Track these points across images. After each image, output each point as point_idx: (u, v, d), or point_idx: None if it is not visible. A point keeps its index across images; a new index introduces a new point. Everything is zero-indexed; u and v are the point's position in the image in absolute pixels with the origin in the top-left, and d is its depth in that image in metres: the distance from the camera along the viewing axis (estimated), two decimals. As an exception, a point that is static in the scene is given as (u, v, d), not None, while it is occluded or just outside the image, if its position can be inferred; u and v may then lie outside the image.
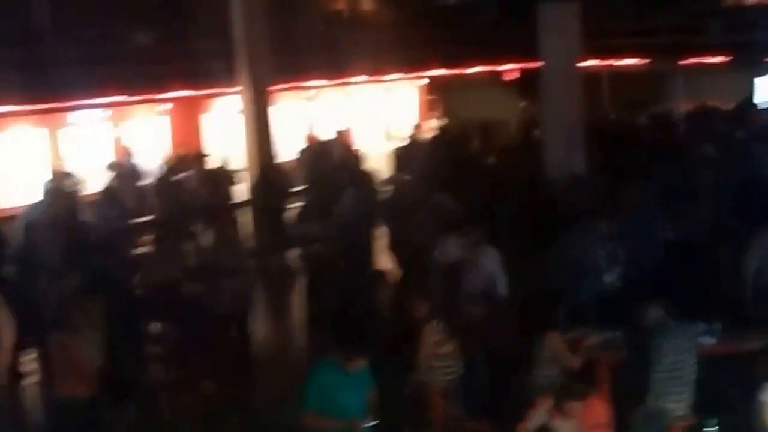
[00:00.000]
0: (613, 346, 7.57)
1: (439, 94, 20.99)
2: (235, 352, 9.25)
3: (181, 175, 13.78)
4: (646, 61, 18.95)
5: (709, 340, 7.47)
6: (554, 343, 7.19)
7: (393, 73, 19.20)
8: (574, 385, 6.41)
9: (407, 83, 20.74)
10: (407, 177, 12.74)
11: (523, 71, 19.50)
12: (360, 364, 6.27)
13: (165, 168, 14.13)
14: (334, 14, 19.57)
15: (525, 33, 13.02)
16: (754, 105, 16.95)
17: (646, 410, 6.78)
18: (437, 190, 10.91)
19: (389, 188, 12.37)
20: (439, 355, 7.25)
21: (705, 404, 6.78)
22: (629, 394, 6.92)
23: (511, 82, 20.66)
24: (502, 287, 8.57)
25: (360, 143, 15.74)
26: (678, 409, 6.74)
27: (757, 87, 18.67)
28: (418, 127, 16.22)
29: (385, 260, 11.29)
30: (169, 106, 16.00)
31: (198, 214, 12.06)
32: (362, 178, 12.35)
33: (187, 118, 16.42)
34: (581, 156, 11.77)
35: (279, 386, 8.82)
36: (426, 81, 20.99)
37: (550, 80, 12.11)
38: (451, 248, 8.89)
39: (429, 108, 21.07)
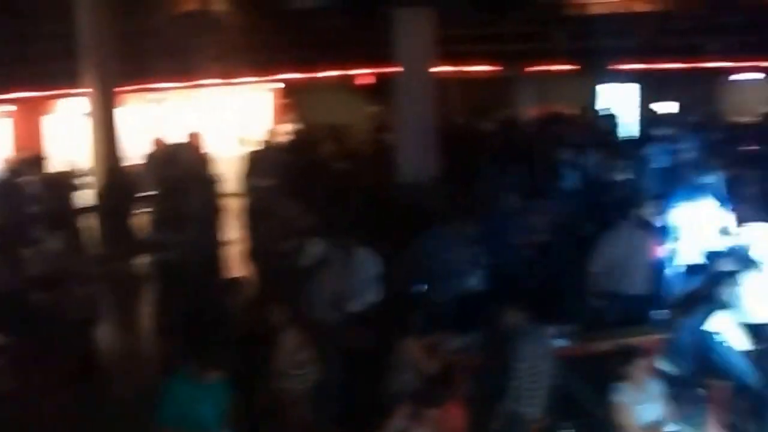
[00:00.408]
0: (471, 350, 7.62)
1: (293, 98, 20.84)
2: (81, 362, 8.89)
3: (23, 179, 13.18)
4: (496, 67, 19.37)
5: (563, 343, 7.65)
6: (411, 348, 7.19)
7: (246, 76, 18.93)
8: (431, 392, 6.42)
9: (261, 87, 20.50)
10: (261, 182, 12.58)
11: (378, 76, 19.59)
12: (215, 375, 6.12)
13: (5, 172, 13.48)
14: (185, 16, 19.13)
15: (379, 37, 13.09)
16: (598, 111, 17.69)
17: (504, 414, 6.87)
18: (289, 194, 10.82)
19: (243, 193, 12.20)
20: (296, 362, 7.15)
21: (560, 407, 6.93)
22: (487, 399, 6.97)
23: (366, 86, 20.72)
24: (371, 292, 8.52)
25: (211, 147, 15.43)
26: (535, 412, 6.86)
27: (602, 94, 19.40)
28: (271, 131, 16.07)
29: (244, 266, 11.11)
30: (12, 108, 15.32)
31: (41, 220, 11.55)
32: (211, 183, 12.11)
33: (31, 120, 15.73)
34: (435, 160, 11.91)
35: (128, 398, 8.53)
36: (280, 85, 20.80)
37: (404, 85, 12.21)
38: (312, 253, 8.80)
39: (283, 112, 20.89)
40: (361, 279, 8.46)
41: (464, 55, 18.67)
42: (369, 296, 8.45)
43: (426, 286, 8.59)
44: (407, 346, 7.22)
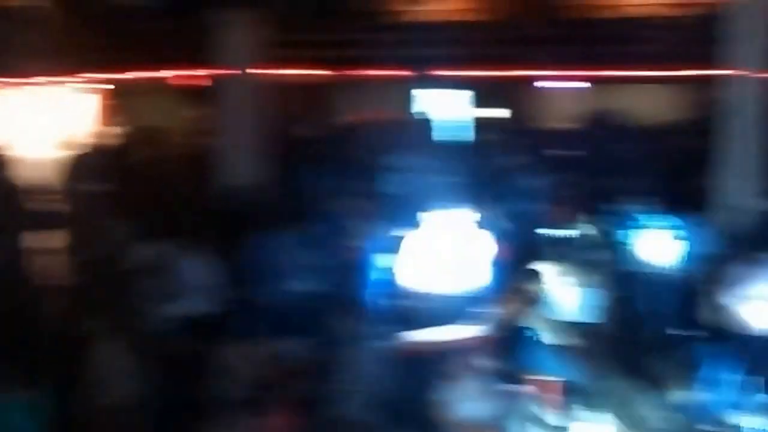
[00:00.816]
0: (299, 354, 7.59)
1: (115, 100, 20.22)
2: None
3: None
4: (322, 72, 19.43)
5: (389, 344, 7.73)
6: (238, 354, 7.12)
7: (65, 76, 18.24)
8: (258, 399, 6.36)
9: (83, 88, 19.77)
10: (81, 186, 12.14)
11: (201, 78, 19.28)
12: (27, 389, 5.88)
13: None
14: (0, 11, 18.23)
15: (204, 39, 12.88)
16: (420, 116, 18.02)
17: (333, 418, 6.88)
18: (109, 199, 10.50)
19: (62, 197, 11.73)
20: (115, 372, 6.95)
21: (388, 408, 7.00)
22: (316, 404, 6.97)
23: (191, 88, 20.34)
24: (196, 298, 8.34)
25: (26, 150, 14.75)
26: (364, 415, 6.89)
27: (425, 100, 19.79)
28: (94, 133, 15.54)
29: (63, 273, 10.67)
30: None
31: None
32: (14, 188, 11.56)
33: None
34: (259, 164, 11.83)
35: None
36: (104, 86, 20.14)
37: (227, 88, 12.08)
38: (134, 258, 8.56)
39: (105, 114, 20.23)
40: (186, 284, 8.30)
41: (290, 60, 18.62)
42: (193, 302, 8.30)
43: (254, 291, 8.50)
44: (233, 353, 7.13)
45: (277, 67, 17.77)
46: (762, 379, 7.80)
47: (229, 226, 9.77)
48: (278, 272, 8.58)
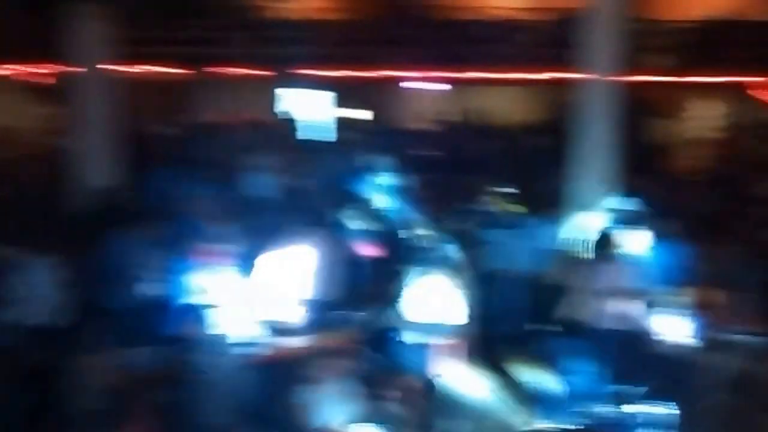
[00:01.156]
0: (155, 363, 7.33)
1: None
2: None
3: None
4: (179, 70, 19.03)
5: (249, 349, 7.55)
6: (91, 364, 6.82)
7: None
8: (112, 410, 6.12)
9: None
10: None
11: (51, 75, 18.56)
12: None
13: None
14: None
15: (53, 34, 12.36)
16: (283, 116, 17.86)
17: (193, 427, 6.68)
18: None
19: None
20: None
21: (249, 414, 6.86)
22: (172, 413, 6.77)
23: (38, 86, 19.58)
24: (47, 304, 7.92)
25: None
26: (224, 422, 6.73)
27: (289, 99, 19.65)
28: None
29: None
30: None
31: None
32: None
33: None
34: (115, 164, 11.44)
35: None
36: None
37: (77, 86, 11.62)
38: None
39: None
40: (31, 291, 7.91)
41: (147, 57, 18.16)
42: (39, 309, 7.91)
43: (103, 296, 8.16)
44: (83, 362, 6.83)
45: (131, 64, 17.32)
46: (614, 370, 8.10)
47: (79, 229, 9.39)
48: (129, 276, 8.27)
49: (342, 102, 19.04)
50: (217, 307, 7.60)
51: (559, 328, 8.05)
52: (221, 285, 7.79)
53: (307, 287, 8.35)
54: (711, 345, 7.67)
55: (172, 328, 7.68)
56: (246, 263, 8.08)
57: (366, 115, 18.79)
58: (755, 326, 7.65)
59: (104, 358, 6.99)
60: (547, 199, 10.64)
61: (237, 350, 7.30)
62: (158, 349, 7.32)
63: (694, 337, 7.85)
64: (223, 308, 7.60)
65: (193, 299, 7.77)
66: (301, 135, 16.53)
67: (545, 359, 7.91)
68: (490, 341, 9.01)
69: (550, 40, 16.56)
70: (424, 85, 19.39)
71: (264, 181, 11.67)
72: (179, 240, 8.81)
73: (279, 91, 19.45)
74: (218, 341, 6.92)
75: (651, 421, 7.48)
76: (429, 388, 7.34)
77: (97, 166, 11.21)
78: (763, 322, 7.69)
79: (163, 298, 8.24)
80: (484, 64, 17.69)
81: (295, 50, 17.12)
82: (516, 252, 9.60)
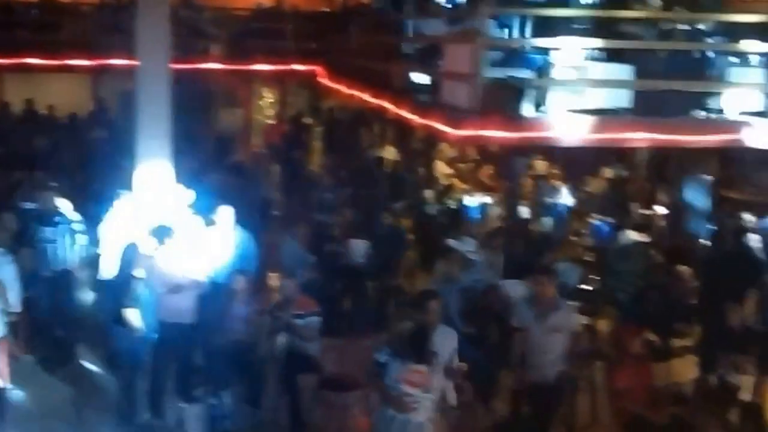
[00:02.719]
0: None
1: None
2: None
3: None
4: None
5: None
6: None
7: None
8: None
9: None
10: None
11: None
12: None
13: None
14: None
15: None
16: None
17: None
18: None
19: None
20: None
21: None
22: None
23: None
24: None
25: None
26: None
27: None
28: None
29: None
30: None
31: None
32: None
33: None
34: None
35: None
36: None
37: None
38: None
39: None
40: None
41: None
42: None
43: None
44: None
45: None
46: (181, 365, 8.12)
47: None
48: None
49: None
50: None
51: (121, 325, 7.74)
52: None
53: None
54: (273, 327, 7.83)
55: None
56: None
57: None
58: (306, 309, 7.96)
59: None
60: (104, 190, 10.29)
61: None
62: None
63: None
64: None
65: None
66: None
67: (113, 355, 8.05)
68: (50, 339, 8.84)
69: (105, 27, 16.10)
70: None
71: None
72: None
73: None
74: None
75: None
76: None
77: None
78: (313, 305, 8.03)
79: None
80: (43, 50, 16.67)
81: None
82: (66, 250, 9.27)
